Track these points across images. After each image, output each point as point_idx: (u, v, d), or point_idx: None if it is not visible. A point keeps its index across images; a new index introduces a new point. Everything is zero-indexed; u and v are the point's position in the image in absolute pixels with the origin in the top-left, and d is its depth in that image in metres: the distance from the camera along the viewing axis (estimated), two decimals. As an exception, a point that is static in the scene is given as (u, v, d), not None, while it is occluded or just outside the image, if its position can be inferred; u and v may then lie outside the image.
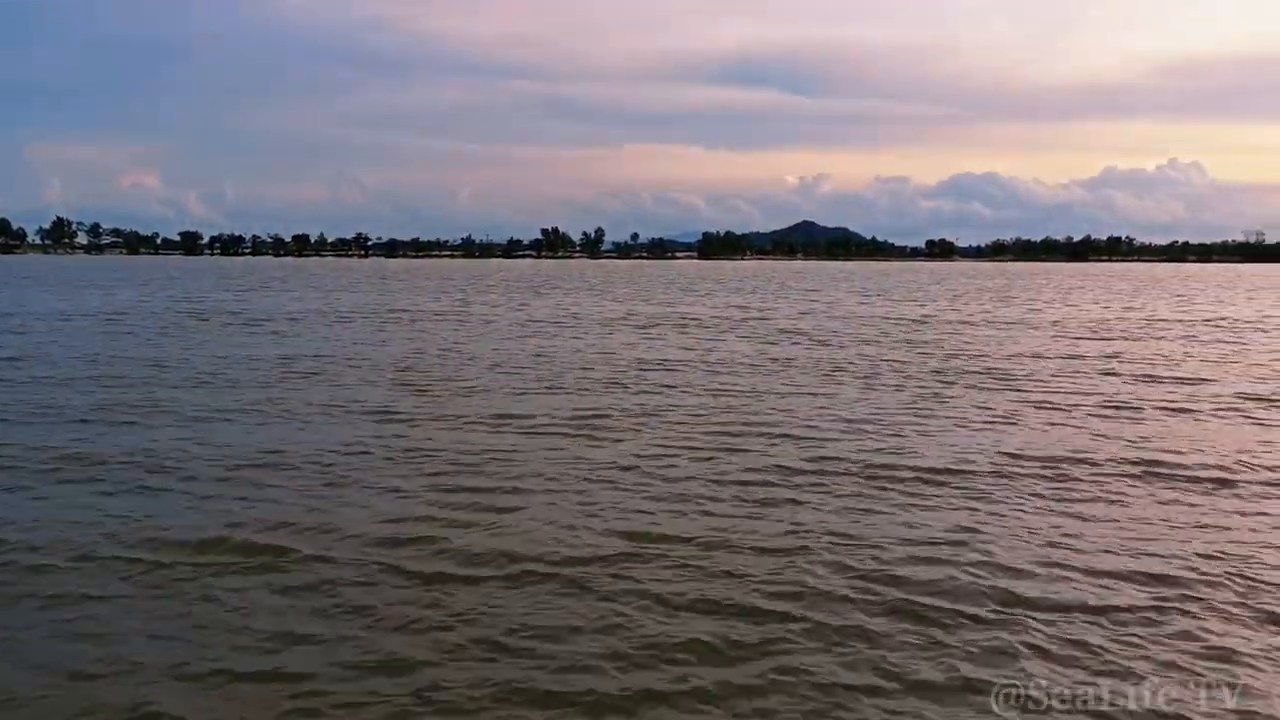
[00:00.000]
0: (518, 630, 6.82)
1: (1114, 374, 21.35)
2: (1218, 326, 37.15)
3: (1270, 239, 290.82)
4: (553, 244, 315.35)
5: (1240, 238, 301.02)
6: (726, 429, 14.19)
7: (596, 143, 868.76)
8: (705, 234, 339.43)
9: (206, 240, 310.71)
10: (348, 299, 52.27)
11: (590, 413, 15.57)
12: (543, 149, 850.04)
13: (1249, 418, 15.71)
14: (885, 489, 10.73)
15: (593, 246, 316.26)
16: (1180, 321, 39.72)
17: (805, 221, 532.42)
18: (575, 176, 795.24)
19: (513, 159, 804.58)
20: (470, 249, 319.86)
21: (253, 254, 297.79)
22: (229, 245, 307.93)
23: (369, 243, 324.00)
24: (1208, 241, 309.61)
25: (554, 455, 12.38)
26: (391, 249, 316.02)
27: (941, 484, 10.95)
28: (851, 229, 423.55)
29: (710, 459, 12.16)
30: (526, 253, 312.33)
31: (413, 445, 12.82)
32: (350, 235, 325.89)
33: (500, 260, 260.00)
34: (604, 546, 8.62)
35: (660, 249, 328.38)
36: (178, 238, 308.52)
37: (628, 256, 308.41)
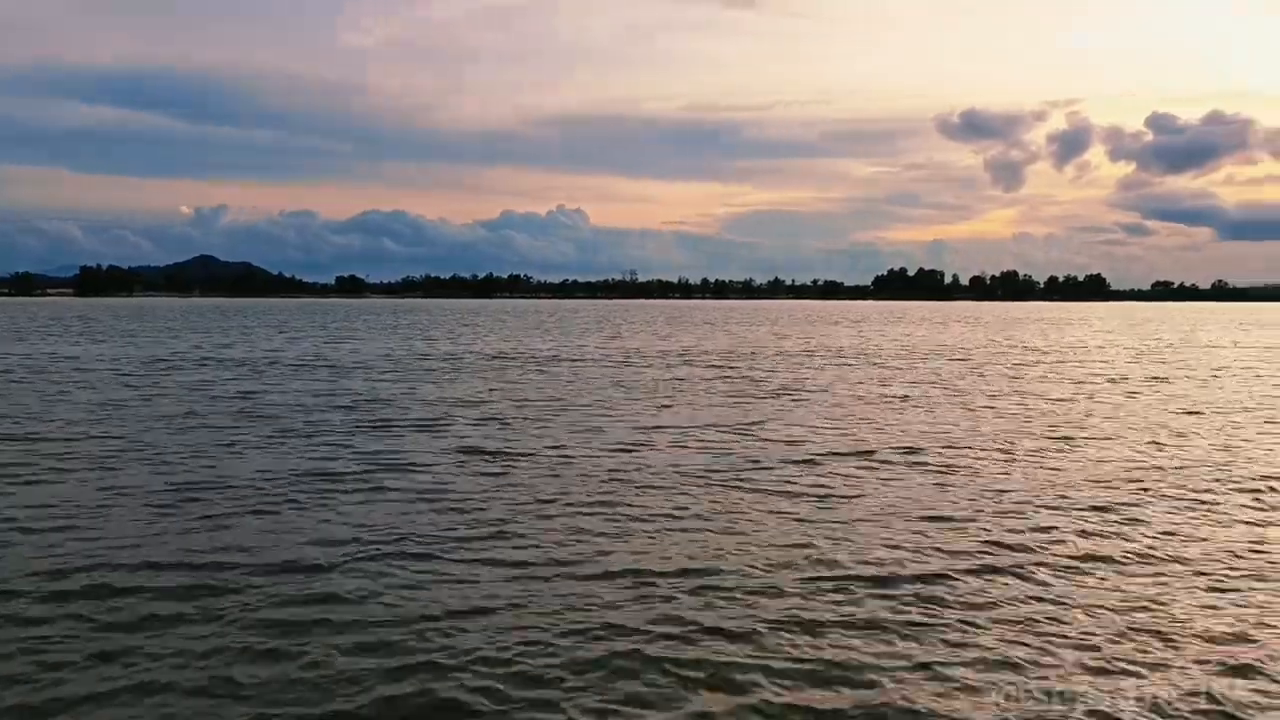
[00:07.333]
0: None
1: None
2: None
3: (641, 278, 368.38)
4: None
5: (619, 276, 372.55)
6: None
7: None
8: (84, 268, 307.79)
9: None
10: None
11: None
12: None
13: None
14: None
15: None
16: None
17: (204, 255, 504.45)
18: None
19: None
20: None
21: None
22: None
23: None
24: (593, 280, 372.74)
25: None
26: None
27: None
28: (256, 264, 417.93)
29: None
30: None
31: None
32: None
33: None
34: None
35: (27, 285, 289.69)
36: None
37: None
